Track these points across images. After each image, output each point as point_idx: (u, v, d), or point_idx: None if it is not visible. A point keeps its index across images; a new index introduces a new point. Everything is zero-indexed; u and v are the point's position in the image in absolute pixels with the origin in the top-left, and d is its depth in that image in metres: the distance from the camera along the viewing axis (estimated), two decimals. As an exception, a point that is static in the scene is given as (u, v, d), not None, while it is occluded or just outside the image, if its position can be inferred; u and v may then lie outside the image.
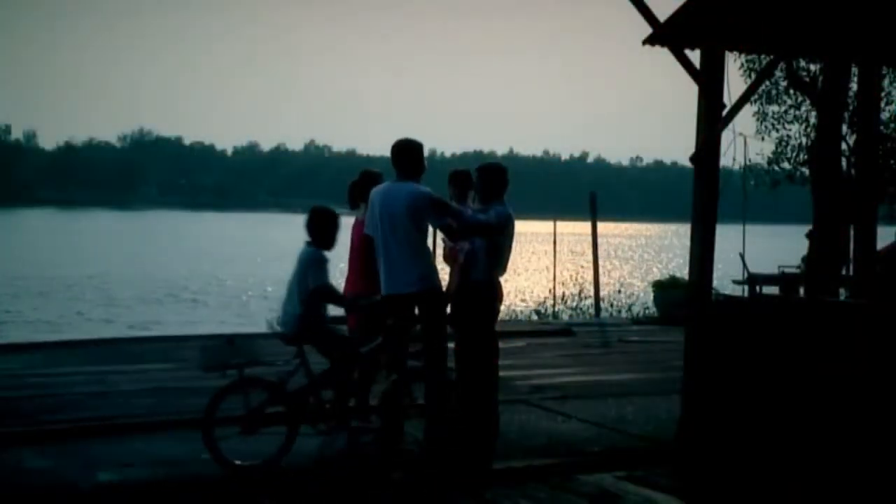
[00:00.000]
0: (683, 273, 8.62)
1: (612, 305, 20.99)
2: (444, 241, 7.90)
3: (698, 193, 7.88)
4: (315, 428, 7.03)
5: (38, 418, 8.11)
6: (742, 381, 7.30)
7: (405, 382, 7.36)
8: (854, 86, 13.99)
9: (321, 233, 7.20)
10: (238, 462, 6.67)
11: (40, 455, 7.00)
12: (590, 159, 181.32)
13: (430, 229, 7.65)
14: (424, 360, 7.34)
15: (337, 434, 7.12)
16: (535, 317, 19.82)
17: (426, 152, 7.69)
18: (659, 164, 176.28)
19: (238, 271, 36.06)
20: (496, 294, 7.63)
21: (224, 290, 31.42)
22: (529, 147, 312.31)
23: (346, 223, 7.91)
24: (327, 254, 7.24)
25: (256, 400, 6.83)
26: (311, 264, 7.07)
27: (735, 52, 11.40)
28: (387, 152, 7.59)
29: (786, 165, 18.71)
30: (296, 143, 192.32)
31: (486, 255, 7.50)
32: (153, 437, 7.70)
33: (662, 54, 7.83)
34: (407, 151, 7.40)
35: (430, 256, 7.44)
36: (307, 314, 7.06)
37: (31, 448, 7.20)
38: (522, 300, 23.23)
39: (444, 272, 7.88)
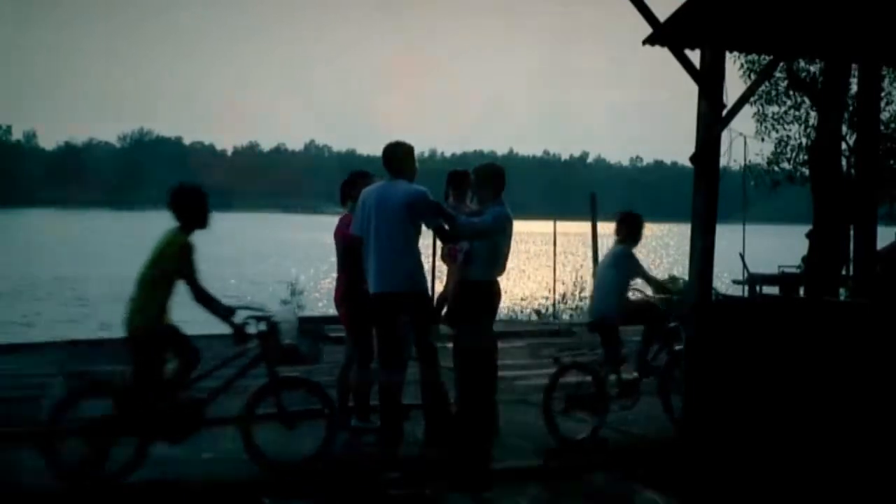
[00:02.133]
0: (683, 273, 8.64)
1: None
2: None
3: (698, 193, 7.87)
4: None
5: (37, 418, 8.08)
6: (742, 380, 7.30)
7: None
8: (854, 86, 14.00)
9: (631, 232, 8.46)
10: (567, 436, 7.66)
11: (40, 455, 6.98)
12: (590, 159, 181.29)
13: (427, 231, 7.66)
14: (419, 361, 7.35)
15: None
16: (534, 317, 19.79)
17: (426, 152, 7.71)
18: (659, 164, 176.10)
19: (238, 271, 36.09)
20: (494, 294, 7.63)
21: (222, 290, 31.34)
22: (529, 147, 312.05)
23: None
24: None
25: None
26: (627, 261, 8.34)
27: (735, 52, 11.39)
28: (386, 152, 7.61)
29: (786, 166, 18.71)
30: (296, 143, 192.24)
31: (485, 254, 7.50)
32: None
33: (662, 54, 7.82)
34: (399, 153, 7.43)
35: (420, 257, 7.44)
36: (621, 303, 8.26)
37: (31, 448, 7.18)
38: (523, 300, 23.21)
39: (444, 272, 7.88)
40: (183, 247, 6.60)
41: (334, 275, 8.24)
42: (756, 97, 17.33)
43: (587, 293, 20.18)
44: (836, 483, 6.56)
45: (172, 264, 6.57)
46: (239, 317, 6.72)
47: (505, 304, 14.98)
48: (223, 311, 6.64)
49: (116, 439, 6.48)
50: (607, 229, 9.41)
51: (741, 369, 7.30)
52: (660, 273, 35.68)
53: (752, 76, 16.29)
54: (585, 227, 19.59)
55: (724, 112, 7.82)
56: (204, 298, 6.60)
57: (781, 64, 14.51)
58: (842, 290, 13.69)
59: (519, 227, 7.87)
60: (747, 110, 17.45)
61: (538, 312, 20.50)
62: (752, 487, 6.75)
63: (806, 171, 17.43)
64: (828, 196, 14.74)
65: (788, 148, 18.52)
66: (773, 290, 16.03)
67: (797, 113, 18.17)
